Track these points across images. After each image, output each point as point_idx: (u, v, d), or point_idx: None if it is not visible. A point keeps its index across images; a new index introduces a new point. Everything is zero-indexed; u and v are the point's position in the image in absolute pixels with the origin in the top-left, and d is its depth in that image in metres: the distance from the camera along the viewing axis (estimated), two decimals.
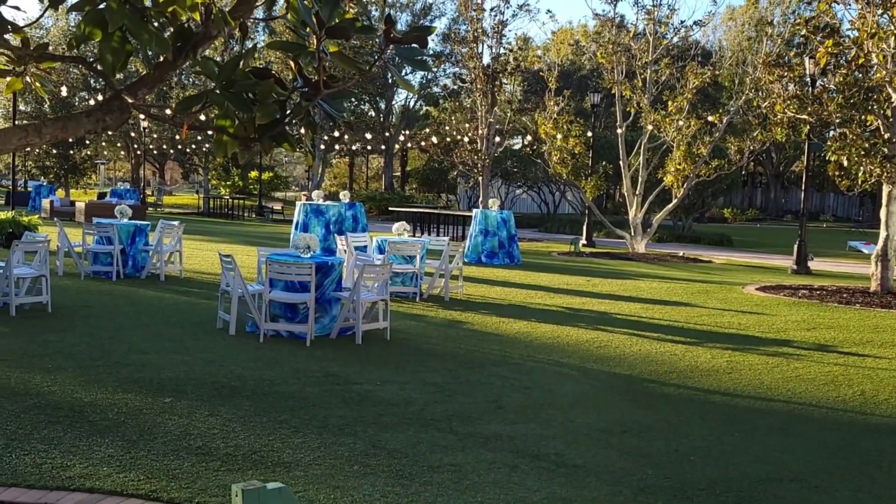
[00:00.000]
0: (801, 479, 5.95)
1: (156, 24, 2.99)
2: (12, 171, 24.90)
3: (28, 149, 46.55)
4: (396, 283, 13.84)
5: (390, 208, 36.47)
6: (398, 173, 64.21)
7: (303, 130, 2.87)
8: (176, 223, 15.70)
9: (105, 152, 51.75)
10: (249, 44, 3.12)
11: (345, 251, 14.17)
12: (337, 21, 2.64)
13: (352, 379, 8.25)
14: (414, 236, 23.43)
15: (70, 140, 51.61)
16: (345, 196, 21.78)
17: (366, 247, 15.10)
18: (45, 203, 32.37)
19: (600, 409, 7.70)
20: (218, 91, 2.64)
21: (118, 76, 2.95)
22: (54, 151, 50.29)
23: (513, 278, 17.47)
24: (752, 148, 24.44)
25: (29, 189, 43.25)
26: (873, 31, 13.32)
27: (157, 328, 10.29)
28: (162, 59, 3.10)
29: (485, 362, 9.38)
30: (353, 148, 50.12)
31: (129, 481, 5.23)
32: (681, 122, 23.37)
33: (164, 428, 6.32)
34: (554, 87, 25.41)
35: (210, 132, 2.81)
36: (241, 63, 2.91)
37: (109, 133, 52.69)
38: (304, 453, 5.93)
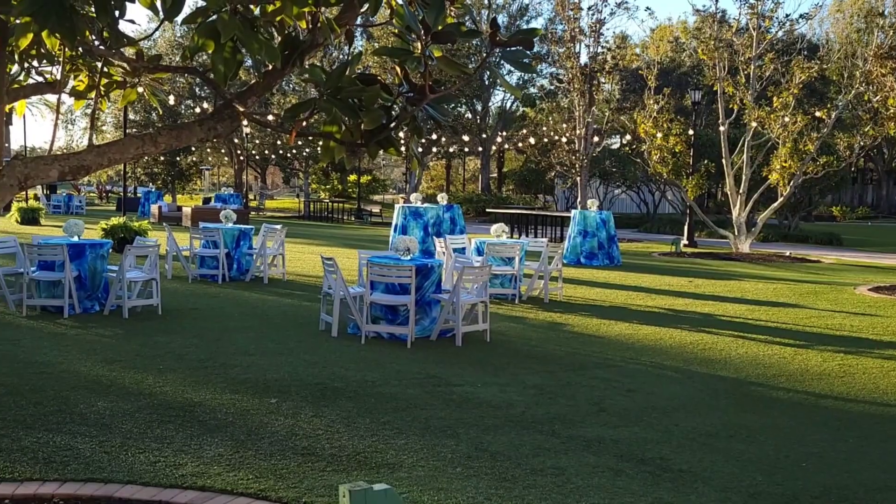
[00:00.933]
0: None
1: (266, 32, 3.05)
2: (123, 178, 25.84)
3: (147, 156, 48.85)
4: (495, 285, 13.82)
5: (487, 210, 36.48)
6: (495, 175, 64.26)
7: (407, 135, 2.89)
8: (278, 227, 16.03)
9: (209, 158, 53.17)
10: (353, 50, 3.15)
11: (443, 253, 14.23)
12: (441, 26, 2.64)
13: (453, 381, 8.27)
14: (511, 238, 23.40)
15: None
16: (442, 198, 21.86)
17: (464, 249, 15.12)
18: (154, 208, 33.46)
19: (705, 412, 7.54)
20: (326, 98, 2.68)
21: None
22: (161, 158, 51.91)
23: (613, 279, 17.26)
24: (862, 144, 23.57)
25: (138, 195, 44.80)
26: None
27: (261, 330, 10.52)
28: (270, 67, 3.16)
29: (586, 364, 9.28)
30: (450, 150, 50.26)
31: (239, 480, 5.35)
32: (786, 119, 22.71)
33: (270, 428, 6.45)
34: (653, 85, 25.01)
35: (317, 138, 2.85)
36: (349, 69, 2.95)
37: (214, 139, 54.22)
38: (408, 455, 5.97)
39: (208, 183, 48.49)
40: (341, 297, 10.27)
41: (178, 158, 52.77)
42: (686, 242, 28.08)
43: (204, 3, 2.83)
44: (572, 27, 30.88)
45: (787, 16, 27.93)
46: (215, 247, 14.90)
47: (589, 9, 30.99)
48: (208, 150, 54.23)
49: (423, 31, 2.59)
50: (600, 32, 31.19)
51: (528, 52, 2.93)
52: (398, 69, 2.78)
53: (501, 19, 52.76)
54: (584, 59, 31.52)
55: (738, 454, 6.35)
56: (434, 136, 45.04)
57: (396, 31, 2.83)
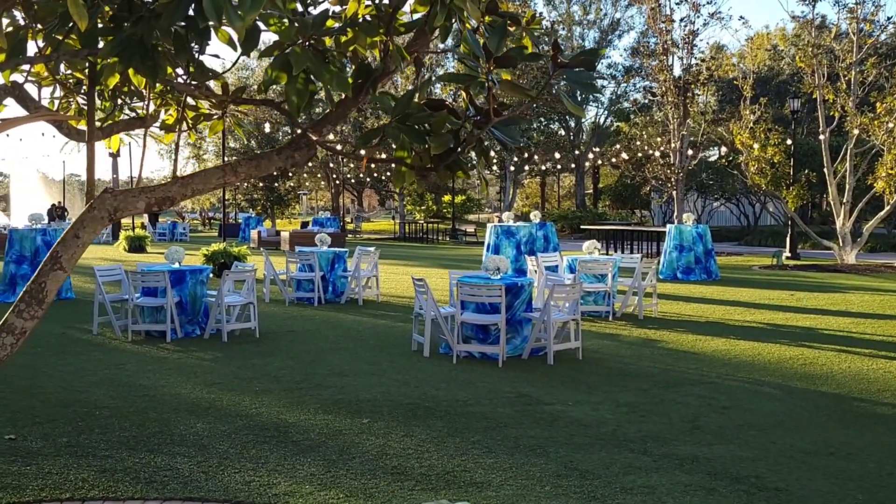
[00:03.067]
0: None
1: (338, 62, 3.14)
2: (223, 204, 26.61)
3: (229, 185, 49.85)
4: (588, 303, 13.74)
5: (582, 226, 36.25)
6: (591, 191, 63.83)
7: (478, 158, 2.92)
8: (372, 249, 16.27)
9: (307, 183, 54.26)
10: (422, 77, 3.21)
11: (535, 272, 14.21)
12: (504, 50, 2.68)
13: (543, 399, 8.25)
14: (607, 254, 23.21)
15: (274, 174, 54.53)
16: (535, 216, 21.86)
17: (557, 266, 15.07)
18: (254, 234, 34.31)
19: (805, 429, 7.33)
20: (394, 125, 2.75)
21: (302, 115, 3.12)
22: (261, 185, 53.19)
23: (710, 294, 16.94)
24: None
25: (239, 221, 46.02)
26: None
27: (355, 351, 10.69)
28: (343, 96, 3.26)
29: (681, 381, 9.14)
30: (544, 168, 50.16)
31: (330, 499, 5.45)
32: (891, 125, 21.98)
33: (361, 448, 6.55)
34: (749, 95, 24.53)
35: (387, 164, 2.92)
36: (417, 96, 3.01)
37: (310, 165, 55.26)
38: (496, 473, 5.98)
39: (306, 207, 49.44)
40: (432, 318, 10.36)
41: (276, 184, 53.98)
42: (788, 255, 27.35)
43: (277, 38, 2.95)
44: (664, 39, 30.55)
45: (889, 18, 26.97)
46: (311, 270, 15.21)
47: (681, 20, 30.62)
48: (305, 175, 55.32)
49: (486, 56, 2.64)
50: (693, 44, 30.78)
51: (591, 73, 2.94)
52: (464, 94, 2.84)
53: (593, 35, 52.62)
54: (677, 71, 31.16)
55: (837, 472, 6.16)
56: (526, 155, 45.02)
57: (461, 56, 2.89)
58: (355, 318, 13.50)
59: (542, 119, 49.78)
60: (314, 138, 3.04)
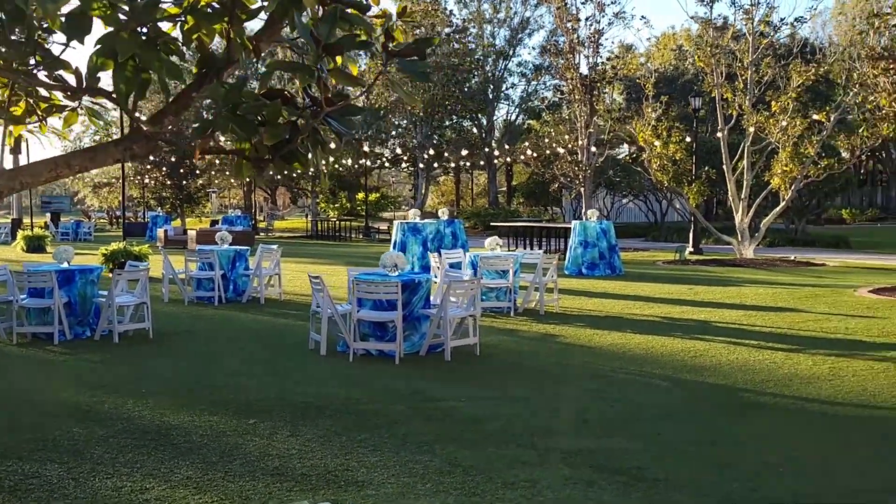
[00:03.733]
0: None
1: (176, 50, 3.04)
2: (122, 203, 25.89)
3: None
4: (491, 299, 13.79)
5: (492, 223, 36.46)
6: (505, 189, 64.23)
7: (313, 150, 2.84)
8: (274, 247, 16.06)
9: (216, 181, 53.35)
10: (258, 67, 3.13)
11: (438, 268, 14.20)
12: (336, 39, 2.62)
13: (437, 396, 8.22)
14: (517, 250, 23.36)
15: (182, 170, 53.49)
16: (443, 213, 21.87)
17: (460, 263, 15.09)
18: (160, 232, 33.60)
19: (690, 421, 7.46)
20: (223, 115, 2.66)
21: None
22: (168, 182, 52.07)
23: (612, 289, 17.18)
24: (863, 146, 23.43)
25: (146, 220, 45.00)
26: None
27: (252, 351, 10.51)
28: (189, 84, 3.15)
29: (574, 376, 9.23)
30: (454, 165, 50.29)
31: (203, 503, 5.32)
32: (784, 123, 22.62)
33: (243, 449, 6.42)
34: (651, 93, 24.97)
35: (218, 154, 2.83)
36: (261, 84, 2.93)
37: (219, 162, 54.38)
38: (379, 472, 5.93)
39: (216, 205, 48.60)
40: (329, 315, 10.25)
41: (185, 182, 52.95)
42: (691, 250, 27.95)
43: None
44: (571, 38, 30.90)
45: (782, 19, 27.72)
46: (211, 269, 14.92)
47: (587, 19, 31.01)
48: (214, 172, 54.37)
49: (315, 43, 2.57)
50: (599, 43, 31.21)
51: (425, 63, 2.90)
52: (298, 83, 2.77)
53: (504, 33, 52.93)
54: (584, 69, 31.55)
55: (717, 461, 6.27)
56: (432, 152, 45.08)
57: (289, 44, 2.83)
58: (255, 318, 13.30)
59: (455, 116, 49.89)
60: (148, 130, 2.92)
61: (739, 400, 8.22)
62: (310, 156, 2.76)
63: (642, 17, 52.19)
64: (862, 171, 71.65)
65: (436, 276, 14.51)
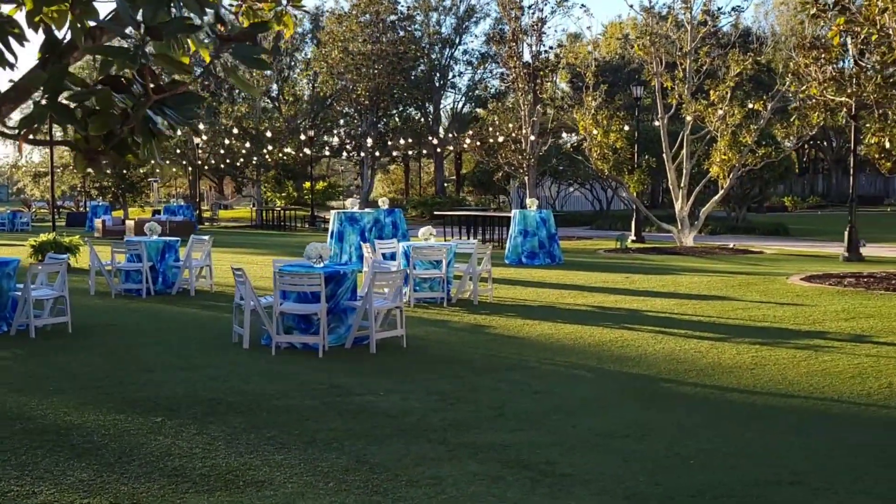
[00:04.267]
0: (803, 481, 5.60)
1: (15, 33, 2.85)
2: (51, 192, 25.33)
3: (88, 172, 46.88)
4: (424, 289, 13.67)
5: (435, 213, 36.33)
6: (455, 177, 64.10)
7: (143, 141, 2.68)
8: (206, 238, 15.77)
9: (156, 171, 52.54)
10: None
11: (371, 258, 14.05)
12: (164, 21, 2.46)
13: (355, 390, 8.08)
14: (451, 240, 23.21)
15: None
16: (383, 202, 21.72)
17: (394, 253, 14.94)
18: (98, 223, 32.97)
19: (608, 412, 7.41)
20: (44, 103, 2.49)
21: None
22: (109, 171, 51.11)
23: (550, 278, 17.16)
24: (799, 134, 23.69)
25: (86, 210, 44.13)
26: (885, 5, 12.68)
27: (172, 345, 10.27)
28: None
29: (498, 367, 9.14)
30: (399, 154, 50.07)
31: None
32: (720, 111, 22.78)
33: (145, 449, 6.22)
34: (592, 82, 24.99)
35: (46, 145, 2.66)
36: (100, 71, 2.75)
37: (167, 151, 53.55)
38: (282, 471, 5.77)
39: (157, 195, 47.87)
40: (252, 308, 10.04)
41: (125, 172, 52.02)
42: (634, 238, 28.11)
43: None
44: (514, 26, 30.82)
45: (720, 9, 27.81)
46: (139, 260, 14.60)
47: (529, 7, 30.95)
48: (153, 161, 53.58)
49: (137, 26, 2.41)
50: (542, 31, 31.17)
51: (261, 48, 2.75)
52: (127, 70, 2.60)
53: (450, 21, 52.72)
54: (527, 58, 31.51)
55: (628, 454, 6.22)
56: (371, 142, 44.79)
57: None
58: (181, 310, 13.04)
59: (400, 105, 49.60)
60: None
61: (660, 390, 8.20)
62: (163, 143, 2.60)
63: (582, 5, 51.85)
64: (805, 160, 72.86)
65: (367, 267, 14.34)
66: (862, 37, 13.61)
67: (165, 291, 14.81)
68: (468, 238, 27.83)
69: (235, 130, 45.69)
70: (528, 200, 21.27)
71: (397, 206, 57.29)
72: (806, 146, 68.95)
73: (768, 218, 39.86)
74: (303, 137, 45.09)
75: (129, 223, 30.28)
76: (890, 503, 5.24)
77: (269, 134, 45.99)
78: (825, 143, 59.53)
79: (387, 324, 10.56)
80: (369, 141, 45.65)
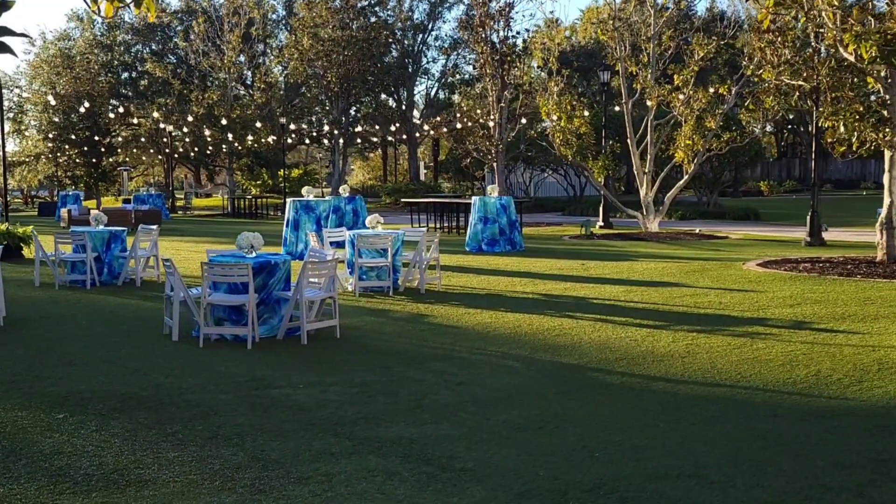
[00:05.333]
0: (702, 474, 5.47)
1: None
2: (3, 180, 24.91)
3: (58, 159, 46.45)
4: (371, 278, 13.52)
5: (402, 200, 36.12)
6: (433, 164, 63.82)
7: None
8: (154, 227, 15.56)
9: (124, 158, 52.15)
10: None
11: (318, 247, 13.86)
12: None
13: (274, 383, 7.92)
14: (429, 227, 23.08)
15: (100, 148, 52.10)
16: (344, 190, 21.57)
17: (344, 242, 14.77)
18: (64, 212, 32.60)
19: (528, 403, 7.27)
20: None
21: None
22: (79, 161, 50.72)
23: (506, 266, 17.02)
24: (764, 118, 23.61)
25: (56, 199, 43.70)
26: None
27: (101, 337, 10.07)
28: None
29: (428, 357, 9.00)
30: (374, 140, 49.80)
31: None
32: (682, 96, 22.65)
33: (37, 448, 6.04)
34: (555, 67, 24.81)
35: None
36: None
37: (140, 139, 53.18)
38: (171, 469, 5.61)
39: (127, 184, 47.46)
40: (181, 299, 9.85)
41: (94, 160, 51.59)
42: (602, 224, 28.03)
43: None
44: (481, 11, 30.59)
45: None
46: (84, 251, 14.36)
47: None
48: (135, 150, 53.18)
49: None
50: (510, 16, 30.94)
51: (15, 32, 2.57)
52: None
53: (423, 7, 52.36)
54: (496, 43, 31.26)
55: (534, 447, 6.08)
56: (337, 129, 44.51)
57: None
58: (122, 301, 12.83)
59: (372, 91, 49.26)
60: None
61: (587, 380, 8.07)
62: None
63: None
64: (783, 144, 72.90)
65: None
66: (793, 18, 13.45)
67: (111, 282, 14.59)
68: (436, 226, 27.69)
69: (216, 120, 45.29)
70: (489, 187, 21.08)
71: (374, 193, 57.22)
72: (785, 131, 69.10)
73: (741, 203, 39.83)
74: (275, 126, 44.72)
75: (94, 212, 29.88)
76: (785, 496, 5.12)
77: (249, 123, 45.65)
78: (801, 128, 59.52)
79: (321, 314, 10.39)
80: (334, 130, 45.38)
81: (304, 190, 19.31)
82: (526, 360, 8.85)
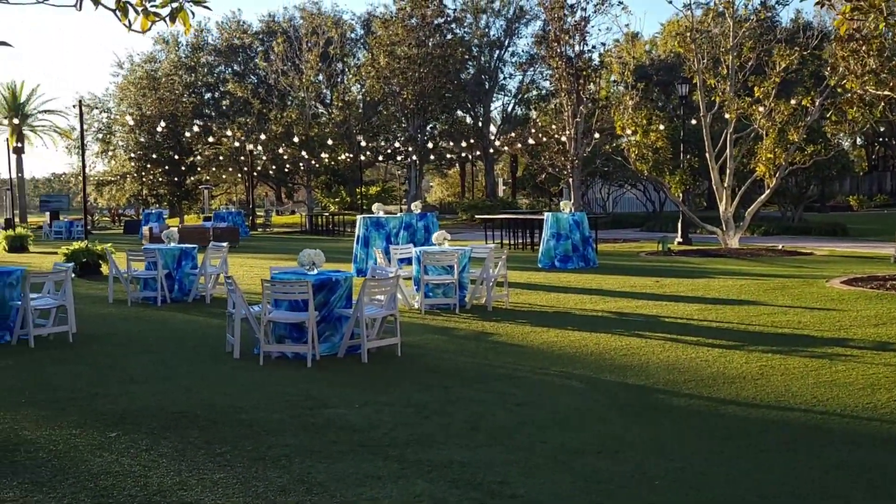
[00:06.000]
0: None
1: None
2: (83, 199, 25.55)
3: (143, 178, 47.69)
4: (438, 295, 13.37)
5: (476, 217, 35.93)
6: (511, 180, 63.55)
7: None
8: (224, 245, 15.68)
9: (205, 177, 53.16)
10: None
11: (384, 264, 13.76)
12: None
13: (329, 402, 7.78)
14: (498, 244, 22.87)
15: (181, 167, 53.28)
16: (416, 207, 21.46)
17: (411, 258, 14.65)
18: (146, 230, 33.30)
19: (588, 426, 6.99)
20: None
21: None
22: (161, 180, 51.90)
23: (577, 283, 16.69)
24: (851, 130, 22.78)
25: (140, 217, 44.80)
26: None
27: (164, 355, 10.11)
28: None
29: (488, 377, 8.76)
30: (448, 157, 49.81)
31: None
32: (762, 108, 21.99)
33: (86, 467, 6.00)
34: (630, 81, 24.40)
35: None
36: None
37: (220, 158, 54.21)
38: (214, 491, 5.49)
39: (208, 201, 48.33)
40: (243, 317, 9.83)
41: (176, 179, 52.74)
42: (680, 240, 27.39)
43: None
44: (556, 26, 30.32)
45: (763, 2, 26.74)
46: (156, 268, 14.54)
47: (571, 6, 30.40)
48: (214, 168, 54.21)
49: None
50: (585, 30, 30.61)
51: None
52: None
53: (499, 23, 52.27)
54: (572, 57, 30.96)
55: (590, 473, 5.81)
56: (431, 145, 44.58)
57: None
58: (190, 318, 12.91)
59: (448, 108, 49.30)
60: None
61: (651, 402, 7.74)
62: None
63: (620, 2, 50.40)
64: (874, 157, 70.57)
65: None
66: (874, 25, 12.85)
67: (182, 299, 14.74)
68: (509, 243, 27.45)
69: (296, 139, 45.94)
70: (562, 203, 20.75)
71: (451, 209, 57.21)
72: (876, 143, 66.86)
73: (827, 218, 38.54)
74: (353, 144, 45.09)
75: (173, 230, 30.45)
76: None
77: (329, 142, 46.15)
78: (892, 141, 57.54)
79: (383, 332, 10.25)
80: (414, 145, 45.54)
81: (375, 207, 19.29)
82: (590, 381, 8.55)
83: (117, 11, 4.21)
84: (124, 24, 4.28)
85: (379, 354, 9.88)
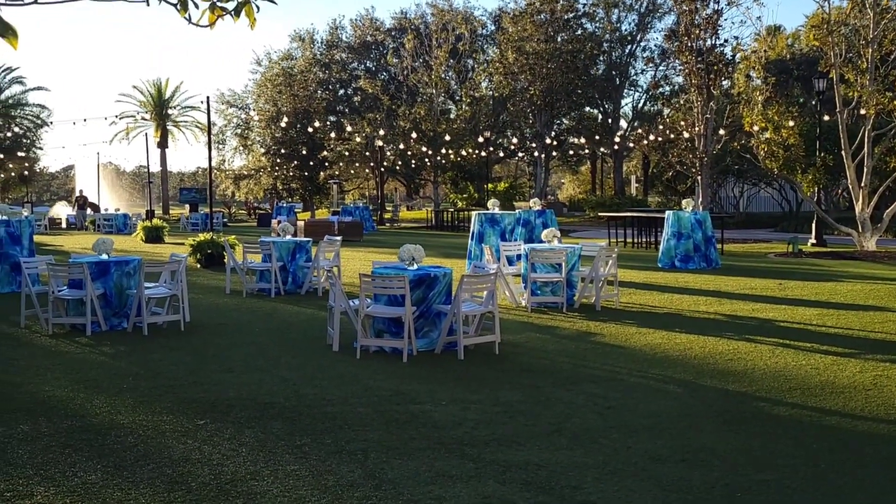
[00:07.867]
0: None
1: None
2: (209, 193, 26.38)
3: (276, 173, 49.07)
4: (545, 293, 13.19)
5: (600, 214, 35.35)
6: (643, 177, 62.39)
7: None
8: (338, 239, 15.90)
9: (336, 173, 54.17)
10: None
11: (489, 261, 13.67)
12: None
13: (417, 398, 7.75)
14: (610, 242, 22.43)
15: (312, 162, 54.54)
16: (535, 203, 21.25)
17: (519, 255, 14.50)
18: (274, 223, 34.20)
19: (677, 432, 6.72)
20: None
21: None
22: (291, 174, 53.14)
23: (695, 283, 16.17)
24: None
25: (270, 211, 46.13)
26: None
27: (266, 345, 10.30)
28: None
29: (583, 378, 8.56)
30: (584, 153, 49.20)
31: None
32: None
33: (168, 453, 6.15)
34: (760, 76, 23.48)
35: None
36: None
37: (349, 153, 55.23)
38: (284, 483, 5.53)
39: (337, 196, 49.19)
40: (342, 311, 9.92)
41: (306, 174, 53.97)
42: (814, 242, 26.24)
43: None
44: (686, 20, 29.50)
45: None
46: (271, 260, 14.88)
47: (703, 1, 29.50)
48: (343, 164, 55.20)
49: None
50: (718, 24, 29.65)
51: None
52: None
53: (632, 17, 51.31)
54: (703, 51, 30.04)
55: (670, 482, 5.57)
56: (554, 141, 44.14)
57: None
58: (299, 310, 13.14)
59: (577, 104, 48.71)
60: None
61: (750, 410, 7.39)
62: None
63: None
64: None
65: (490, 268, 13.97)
66: None
67: (295, 291, 15.03)
68: (633, 241, 26.91)
69: (414, 134, 46.43)
70: (683, 201, 20.16)
71: (580, 206, 56.57)
72: None
73: None
74: (480, 139, 45.11)
75: (300, 224, 31.22)
76: None
77: (447, 137, 46.49)
78: None
79: (480, 328, 10.16)
80: (540, 141, 45.22)
81: (490, 202, 19.21)
82: (688, 385, 8.24)
83: (178, 5, 4.25)
84: (184, 18, 4.34)
85: (476, 351, 9.81)
